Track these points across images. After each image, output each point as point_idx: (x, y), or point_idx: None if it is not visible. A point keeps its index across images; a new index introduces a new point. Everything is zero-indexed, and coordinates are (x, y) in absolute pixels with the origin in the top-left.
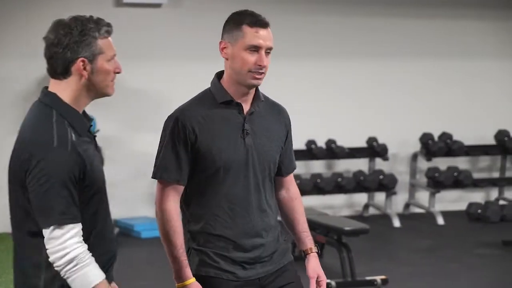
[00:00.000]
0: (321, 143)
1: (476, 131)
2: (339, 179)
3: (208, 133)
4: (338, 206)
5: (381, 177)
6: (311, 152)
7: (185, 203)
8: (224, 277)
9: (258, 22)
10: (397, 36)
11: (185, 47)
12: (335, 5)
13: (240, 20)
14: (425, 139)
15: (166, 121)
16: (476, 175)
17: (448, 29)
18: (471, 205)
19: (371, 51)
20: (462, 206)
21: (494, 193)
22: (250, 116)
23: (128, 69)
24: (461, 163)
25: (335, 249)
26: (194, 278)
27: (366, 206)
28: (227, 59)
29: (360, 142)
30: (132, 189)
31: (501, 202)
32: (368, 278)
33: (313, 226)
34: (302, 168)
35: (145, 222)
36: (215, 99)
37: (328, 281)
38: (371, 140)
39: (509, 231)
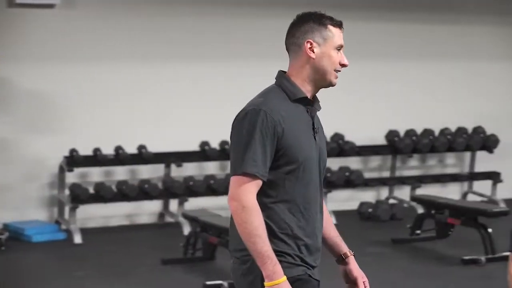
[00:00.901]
0: (215, 144)
1: (367, 131)
2: None
3: (290, 128)
4: None
5: None
6: (204, 153)
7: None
8: (310, 275)
9: (339, 23)
10: None
11: (78, 48)
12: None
13: (324, 21)
14: None
15: (248, 115)
16: (367, 175)
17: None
18: (362, 204)
19: None
20: (353, 205)
21: (384, 192)
22: (314, 115)
23: (20, 70)
24: (353, 163)
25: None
26: (285, 276)
27: None
28: (313, 58)
29: None
30: (24, 193)
31: (391, 201)
32: None
33: (207, 227)
34: (196, 169)
35: (36, 226)
36: (287, 96)
37: (220, 282)
38: None
39: (398, 229)
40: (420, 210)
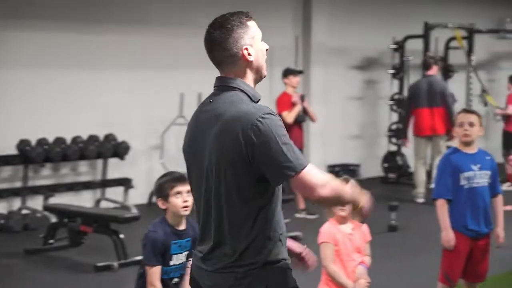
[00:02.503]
0: None
1: None
2: None
3: None
4: None
5: None
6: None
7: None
8: None
9: (249, 13)
10: None
11: None
12: None
13: (243, 20)
14: None
15: (271, 117)
16: None
17: None
18: None
19: None
20: None
21: (17, 203)
22: None
23: None
24: None
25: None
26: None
27: None
28: (251, 61)
29: None
30: None
31: (24, 211)
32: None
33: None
34: None
35: None
36: (250, 99)
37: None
38: None
39: (32, 239)
40: (54, 219)
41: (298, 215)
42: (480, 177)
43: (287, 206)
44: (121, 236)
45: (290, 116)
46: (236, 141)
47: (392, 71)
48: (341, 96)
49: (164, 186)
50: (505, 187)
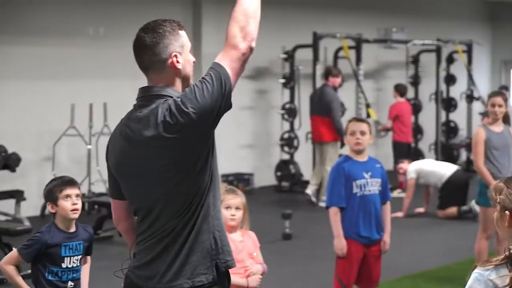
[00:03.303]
0: None
1: None
2: None
3: None
4: None
5: None
6: None
7: None
8: None
9: (181, 23)
10: None
11: None
12: None
13: (175, 28)
14: None
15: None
16: None
17: None
18: None
19: None
20: None
21: None
22: None
23: None
24: None
25: None
26: None
27: None
28: (180, 69)
29: None
30: None
31: None
32: None
33: None
34: None
35: None
36: None
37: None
38: None
39: None
40: None
41: None
42: (371, 185)
43: None
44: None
45: None
46: None
47: (282, 80)
48: (233, 105)
49: (53, 189)
50: (395, 193)
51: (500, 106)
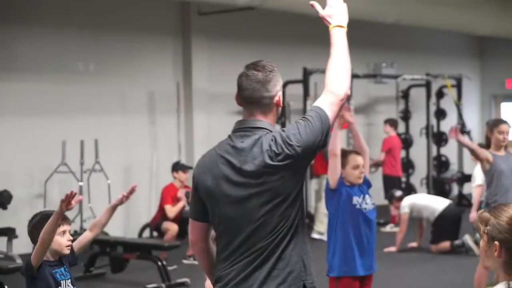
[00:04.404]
0: None
1: None
2: None
3: None
4: None
5: None
6: None
7: None
8: None
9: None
10: None
11: None
12: None
13: (276, 68)
14: None
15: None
16: None
17: None
18: None
19: None
20: None
21: None
22: None
23: None
24: None
25: None
26: None
27: None
28: (279, 107)
29: None
30: None
31: None
32: None
33: None
34: None
35: None
36: None
37: None
38: None
39: None
40: None
41: (185, 261)
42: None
43: (173, 252)
44: (6, 287)
45: (172, 210)
46: None
47: None
48: None
49: None
50: (388, 228)
51: (507, 133)
